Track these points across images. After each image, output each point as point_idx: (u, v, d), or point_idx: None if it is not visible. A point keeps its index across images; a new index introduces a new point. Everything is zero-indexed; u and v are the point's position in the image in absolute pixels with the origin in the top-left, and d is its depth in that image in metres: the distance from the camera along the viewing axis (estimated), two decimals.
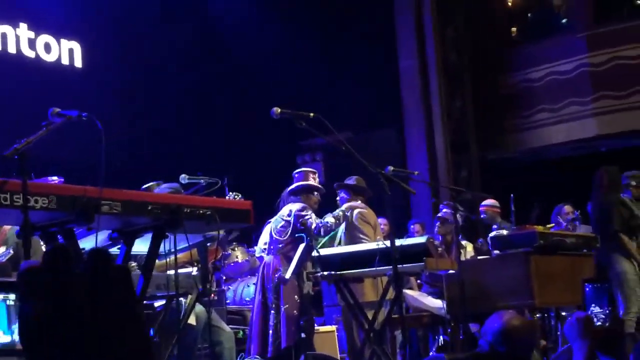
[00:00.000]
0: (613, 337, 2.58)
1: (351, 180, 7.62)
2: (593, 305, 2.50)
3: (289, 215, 7.09)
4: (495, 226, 8.11)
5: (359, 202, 7.49)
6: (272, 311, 6.86)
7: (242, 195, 7.14)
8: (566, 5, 13.62)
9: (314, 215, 6.96)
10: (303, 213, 7.00)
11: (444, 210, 8.75)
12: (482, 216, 9.51)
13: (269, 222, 7.62)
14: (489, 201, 9.52)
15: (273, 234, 7.18)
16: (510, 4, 14.07)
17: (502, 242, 6.93)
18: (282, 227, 7.10)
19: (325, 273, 6.44)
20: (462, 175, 13.13)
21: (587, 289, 2.50)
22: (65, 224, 3.56)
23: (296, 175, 7.40)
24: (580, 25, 13.10)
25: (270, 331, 6.82)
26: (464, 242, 8.27)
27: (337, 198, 7.64)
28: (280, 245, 7.06)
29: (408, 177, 7.18)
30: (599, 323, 2.55)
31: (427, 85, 13.17)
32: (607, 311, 2.55)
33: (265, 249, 7.61)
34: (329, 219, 6.97)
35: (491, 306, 6.69)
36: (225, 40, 12.17)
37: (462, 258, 7.76)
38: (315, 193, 7.30)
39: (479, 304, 6.65)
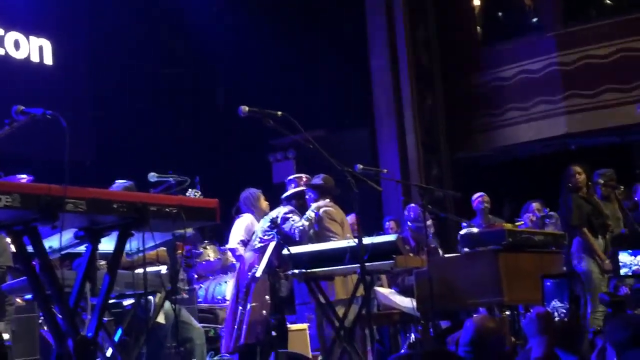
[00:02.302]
0: (572, 333, 2.60)
1: (318, 179, 7.66)
2: (554, 300, 2.52)
3: (276, 217, 7.25)
4: (464, 224, 8.15)
5: (327, 200, 7.54)
6: (240, 307, 6.89)
7: (211, 193, 7.14)
8: (536, 5, 13.71)
9: (297, 219, 7.07)
10: (288, 216, 7.22)
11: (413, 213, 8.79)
12: (479, 207, 9.64)
13: (240, 217, 7.68)
14: (478, 194, 9.68)
15: (258, 232, 7.32)
16: (480, 3, 14.14)
17: (471, 240, 6.96)
18: (268, 227, 7.18)
19: (296, 271, 6.45)
20: (433, 174, 13.19)
21: (548, 284, 2.52)
22: (30, 222, 3.54)
23: (288, 182, 7.68)
24: (550, 25, 13.19)
25: (236, 326, 6.85)
26: (433, 245, 8.34)
27: (306, 197, 7.69)
28: (262, 244, 7.10)
29: (377, 175, 7.21)
30: (558, 318, 2.57)
31: (398, 84, 13.21)
32: (568, 306, 2.57)
33: (240, 241, 7.69)
34: (303, 222, 7.06)
35: (461, 303, 6.74)
36: (196, 38, 12.14)
37: None
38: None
39: (448, 302, 6.68)
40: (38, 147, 8.82)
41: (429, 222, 8.51)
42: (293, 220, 7.10)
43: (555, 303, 2.67)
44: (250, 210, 8.05)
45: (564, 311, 2.67)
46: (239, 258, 7.81)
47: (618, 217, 8.90)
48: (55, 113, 3.74)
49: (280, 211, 7.31)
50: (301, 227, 7.01)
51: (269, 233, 7.10)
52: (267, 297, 6.80)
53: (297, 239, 7.14)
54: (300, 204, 7.40)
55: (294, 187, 7.59)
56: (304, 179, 7.59)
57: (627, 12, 12.89)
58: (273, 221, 6.98)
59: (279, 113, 5.02)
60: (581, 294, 7.83)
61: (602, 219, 8.30)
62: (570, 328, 2.62)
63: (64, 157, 3.52)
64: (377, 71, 13.28)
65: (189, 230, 5.70)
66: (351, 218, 8.61)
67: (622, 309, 7.46)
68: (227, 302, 7.62)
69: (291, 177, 7.71)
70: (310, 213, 7.25)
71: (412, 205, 9.09)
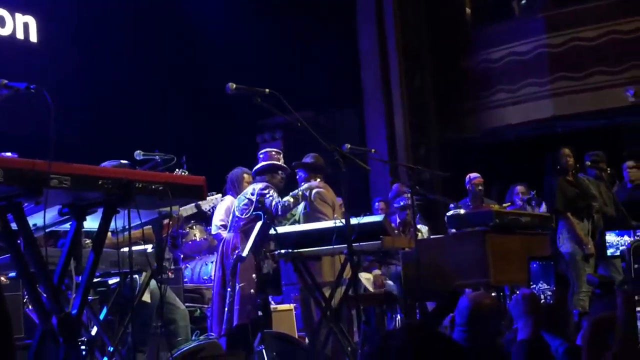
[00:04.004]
0: (558, 316, 2.58)
1: (308, 159, 7.63)
2: (540, 282, 2.50)
3: (252, 194, 7.12)
4: (452, 205, 8.14)
5: (318, 180, 7.51)
6: (229, 289, 6.86)
7: (198, 173, 7.09)
8: None
9: (275, 194, 6.98)
10: (265, 191, 7.04)
11: (405, 188, 8.76)
12: (473, 189, 9.63)
13: (223, 200, 7.62)
14: (474, 175, 9.65)
15: (235, 211, 7.19)
16: None
17: (458, 220, 6.95)
18: (244, 205, 7.13)
19: (283, 251, 6.43)
20: (421, 155, 13.19)
21: (534, 266, 2.50)
22: (14, 198, 3.49)
23: (261, 156, 7.45)
24: (539, 7, 13.17)
25: (226, 309, 6.82)
26: (419, 226, 8.31)
27: (297, 177, 7.65)
28: (242, 223, 7.06)
29: (365, 155, 7.18)
30: (544, 301, 2.55)
31: (387, 65, 13.18)
32: (554, 288, 2.55)
33: (220, 225, 7.61)
34: (288, 198, 6.99)
35: (447, 284, 6.74)
36: (183, 16, 12.04)
37: None
38: (280, 172, 7.36)
39: (435, 282, 6.68)
40: (22, 124, 8.74)
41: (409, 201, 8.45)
42: (271, 196, 6.98)
43: (541, 285, 2.65)
44: (232, 191, 8.00)
45: (550, 293, 2.64)
46: (202, 242, 7.77)
47: (610, 196, 8.94)
48: (39, 87, 3.69)
49: (255, 187, 7.15)
50: (285, 204, 6.93)
51: (248, 211, 7.05)
52: (253, 275, 6.77)
53: (280, 215, 7.07)
54: (271, 179, 7.28)
55: (266, 161, 7.43)
56: (274, 154, 7.46)
57: None
58: (258, 200, 6.91)
59: (267, 90, 4.98)
60: (567, 275, 7.86)
61: (587, 201, 8.33)
62: (556, 310, 2.61)
63: (49, 133, 3.47)
64: (366, 52, 13.25)
65: (176, 210, 5.67)
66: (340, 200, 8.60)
67: (610, 290, 7.48)
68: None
69: (263, 150, 7.53)
70: (299, 192, 7.19)
71: (395, 184, 9.07)
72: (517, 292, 2.83)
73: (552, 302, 2.63)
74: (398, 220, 8.93)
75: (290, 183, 7.64)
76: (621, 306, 1.42)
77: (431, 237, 8.44)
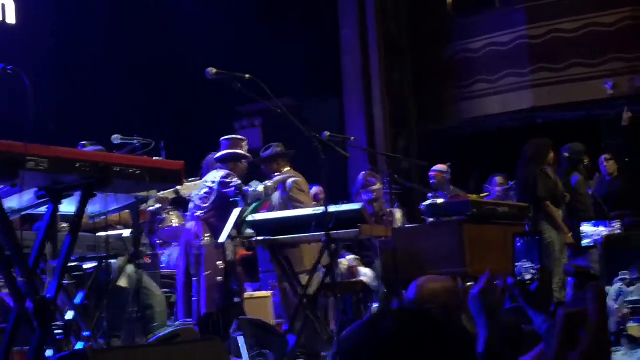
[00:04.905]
0: (541, 292, 2.57)
1: (269, 151, 7.53)
2: (524, 260, 2.49)
3: (213, 182, 7.01)
4: (430, 194, 8.15)
5: (287, 169, 7.43)
6: (194, 278, 6.80)
7: (175, 159, 7.05)
8: None
9: (238, 182, 6.86)
10: (227, 180, 6.91)
11: (370, 179, 8.67)
12: (431, 181, 9.56)
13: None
14: (438, 166, 9.56)
15: (195, 200, 7.10)
16: None
17: (436, 210, 6.96)
18: (205, 193, 7.03)
19: (260, 238, 6.41)
20: (400, 145, 13.20)
21: (518, 244, 2.49)
22: None
23: (223, 142, 7.31)
24: None
25: (194, 298, 6.76)
26: (393, 210, 8.28)
27: (263, 169, 7.56)
28: (202, 212, 6.99)
29: (344, 143, 7.17)
30: (529, 277, 2.53)
31: (367, 54, 13.17)
32: (538, 266, 2.54)
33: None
34: (260, 187, 6.85)
35: (424, 273, 6.73)
36: (164, 4, 11.96)
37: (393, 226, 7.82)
38: (243, 161, 7.24)
39: (412, 271, 6.65)
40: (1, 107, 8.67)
41: (377, 187, 8.41)
42: (234, 184, 6.81)
43: (524, 263, 2.63)
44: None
45: (534, 271, 2.63)
46: (179, 228, 7.65)
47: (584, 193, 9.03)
48: (16, 68, 3.64)
49: (216, 175, 7.01)
50: (257, 192, 6.81)
51: (208, 199, 6.96)
52: (218, 262, 6.74)
53: (249, 202, 6.95)
54: (234, 167, 7.12)
55: (228, 149, 7.24)
56: (237, 141, 7.32)
57: None
58: (239, 186, 6.82)
59: (247, 76, 4.97)
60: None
61: (562, 192, 8.41)
62: (540, 288, 2.59)
63: (26, 114, 3.43)
64: (347, 41, 13.22)
65: (154, 195, 5.64)
66: (314, 189, 8.55)
67: (587, 279, 7.54)
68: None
69: (225, 137, 7.36)
70: (270, 183, 7.07)
71: (360, 174, 8.90)
72: (473, 287, 2.82)
73: (538, 278, 2.62)
74: (369, 211, 8.81)
75: (253, 173, 7.54)
76: (592, 301, 1.41)
77: (406, 225, 8.42)
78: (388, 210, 8.00)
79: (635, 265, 7.77)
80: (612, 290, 7.44)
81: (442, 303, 3.56)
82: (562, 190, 8.45)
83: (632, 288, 7.44)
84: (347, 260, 8.50)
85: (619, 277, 7.53)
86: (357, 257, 8.54)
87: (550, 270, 7.61)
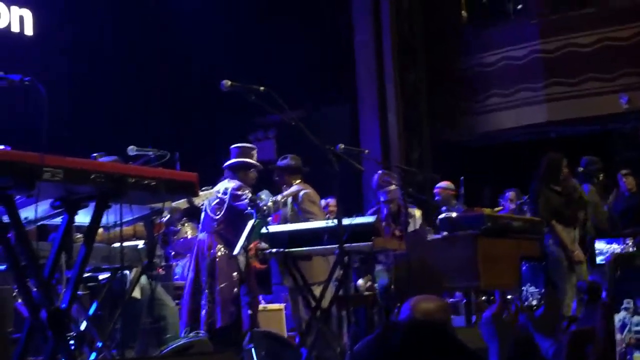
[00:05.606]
0: (548, 317, 2.57)
1: (285, 161, 7.52)
2: (528, 284, 2.49)
3: (224, 193, 6.95)
4: (444, 208, 8.13)
5: (298, 182, 7.41)
6: (206, 290, 6.74)
7: (191, 171, 7.05)
8: None
9: (250, 194, 6.82)
10: (239, 193, 6.85)
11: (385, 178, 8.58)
12: (436, 198, 9.54)
13: None
14: (443, 183, 9.55)
15: (207, 211, 7.04)
16: None
17: (450, 223, 6.95)
18: (216, 204, 6.97)
19: (274, 250, 6.40)
20: (414, 157, 13.19)
21: (524, 268, 2.49)
22: (5, 190, 3.48)
23: (233, 150, 7.25)
24: (534, 12, 13.20)
25: (203, 311, 6.70)
26: (411, 210, 8.19)
27: (274, 178, 7.54)
28: (214, 224, 6.96)
29: (359, 156, 7.16)
30: (534, 302, 2.52)
31: (382, 61, 13.17)
32: (543, 291, 2.53)
33: None
34: (270, 202, 6.80)
35: (438, 287, 6.73)
36: (179, 12, 12.01)
37: (411, 227, 7.76)
38: (253, 170, 7.17)
39: (425, 284, 6.66)
40: (16, 117, 8.74)
41: (392, 187, 8.32)
42: (246, 197, 6.74)
43: (529, 287, 2.63)
44: None
45: (538, 296, 2.63)
46: (193, 240, 7.56)
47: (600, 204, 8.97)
48: (33, 79, 3.67)
49: (228, 187, 6.94)
50: (265, 208, 6.76)
51: (220, 210, 6.92)
52: (234, 274, 6.73)
53: (256, 217, 6.90)
54: (244, 176, 7.05)
55: (238, 157, 7.16)
56: (247, 150, 7.25)
57: (610, 2, 12.93)
58: (252, 199, 6.77)
59: (262, 88, 4.97)
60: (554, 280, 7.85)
61: (575, 209, 8.31)
62: (547, 312, 2.59)
63: (42, 125, 3.46)
64: (360, 47, 13.22)
65: (168, 206, 5.65)
66: (324, 201, 8.53)
67: (598, 296, 7.49)
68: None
69: (236, 145, 7.28)
70: (280, 198, 7.03)
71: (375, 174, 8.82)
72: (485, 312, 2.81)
73: (544, 304, 2.62)
74: (385, 212, 8.71)
75: (266, 183, 7.51)
76: (600, 319, 1.40)
77: (425, 227, 8.29)
78: (407, 209, 7.89)
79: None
80: (616, 319, 7.37)
81: (437, 322, 3.57)
82: (576, 206, 8.36)
83: (636, 318, 7.38)
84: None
85: (623, 306, 7.45)
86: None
87: (555, 294, 7.51)
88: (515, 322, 2.97)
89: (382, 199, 8.31)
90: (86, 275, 5.06)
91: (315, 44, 12.37)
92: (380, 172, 8.63)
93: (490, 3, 14.19)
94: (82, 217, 3.94)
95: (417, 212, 8.62)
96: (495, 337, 2.63)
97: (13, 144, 5.39)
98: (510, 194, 9.89)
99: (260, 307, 7.74)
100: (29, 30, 10.59)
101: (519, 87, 13.04)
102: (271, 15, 12.46)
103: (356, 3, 13.31)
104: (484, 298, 8.29)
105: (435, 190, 9.55)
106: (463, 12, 13.96)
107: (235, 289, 6.69)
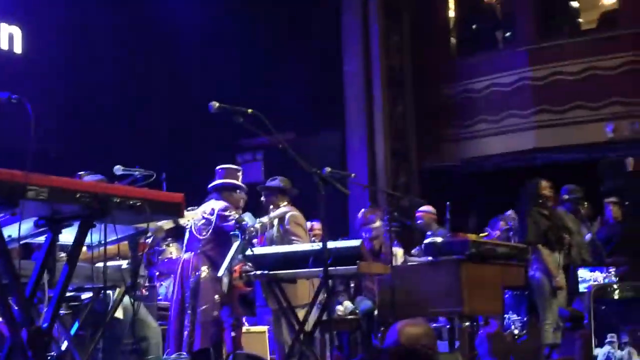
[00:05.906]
0: (529, 346, 2.57)
1: (274, 182, 7.53)
2: (510, 312, 2.48)
3: (210, 214, 6.95)
4: (429, 233, 8.14)
5: (285, 204, 7.42)
6: (188, 311, 6.74)
7: (177, 191, 7.05)
8: (510, 20, 13.81)
9: (236, 215, 6.82)
10: (226, 214, 6.85)
11: (370, 216, 8.63)
12: (418, 222, 9.57)
13: None
14: (425, 207, 9.60)
15: (193, 231, 7.03)
16: (455, 15, 14.21)
17: (435, 248, 6.96)
18: (202, 224, 6.97)
19: (259, 272, 6.40)
20: (400, 182, 13.23)
21: (507, 296, 2.48)
22: None
23: (219, 171, 7.25)
24: (523, 40, 13.30)
25: (186, 332, 6.70)
26: (394, 249, 8.25)
27: (262, 199, 7.54)
28: (200, 244, 6.94)
29: (345, 179, 7.17)
30: (516, 331, 2.52)
31: (370, 90, 13.25)
32: (525, 319, 2.53)
33: None
34: (257, 225, 6.81)
35: (421, 312, 6.74)
36: (167, 33, 12.05)
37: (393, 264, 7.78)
38: (238, 191, 7.18)
39: (409, 309, 6.67)
40: (2, 135, 8.71)
41: (377, 224, 8.35)
42: (233, 218, 6.76)
43: (512, 315, 2.64)
44: None
45: (520, 325, 2.64)
46: (177, 260, 7.54)
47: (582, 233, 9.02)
48: (21, 97, 3.67)
49: (214, 207, 6.95)
50: (252, 229, 6.77)
51: (207, 230, 6.91)
52: (216, 297, 6.71)
53: (246, 237, 6.90)
54: (228, 197, 7.05)
55: (223, 178, 7.16)
56: (232, 171, 7.27)
57: (598, 31, 13.05)
58: (239, 220, 6.76)
59: (250, 110, 4.98)
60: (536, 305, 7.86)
61: (560, 233, 8.34)
62: (528, 342, 2.60)
63: (28, 144, 3.45)
64: (350, 76, 13.30)
65: (153, 227, 5.63)
66: (310, 224, 8.52)
67: (580, 324, 7.52)
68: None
69: (221, 166, 7.29)
70: (267, 219, 7.05)
71: (361, 211, 8.87)
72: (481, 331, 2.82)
73: (526, 332, 2.63)
74: (368, 247, 8.74)
75: (252, 205, 7.51)
76: (579, 349, 1.41)
77: (407, 263, 8.40)
78: (389, 248, 7.95)
79: (623, 328, 7.76)
80: (600, 353, 7.39)
81: (423, 347, 3.57)
82: (561, 231, 8.41)
83: (620, 353, 7.41)
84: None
85: (607, 340, 7.47)
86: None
87: (537, 323, 7.52)
88: (514, 341, 2.98)
89: (366, 235, 8.32)
90: (68, 294, 5.03)
91: (307, 71, 12.43)
92: (363, 209, 8.68)
93: (480, 30, 14.30)
94: (66, 236, 3.93)
95: (399, 252, 8.66)
96: (492, 356, 2.63)
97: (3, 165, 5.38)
98: (502, 222, 9.81)
99: (244, 329, 7.72)
100: (17, 49, 10.59)
101: (507, 114, 13.12)
102: (266, 41, 12.53)
103: (346, 29, 13.39)
104: (467, 324, 8.28)
105: (417, 214, 9.59)
106: (452, 39, 14.05)
107: (216, 312, 6.68)
